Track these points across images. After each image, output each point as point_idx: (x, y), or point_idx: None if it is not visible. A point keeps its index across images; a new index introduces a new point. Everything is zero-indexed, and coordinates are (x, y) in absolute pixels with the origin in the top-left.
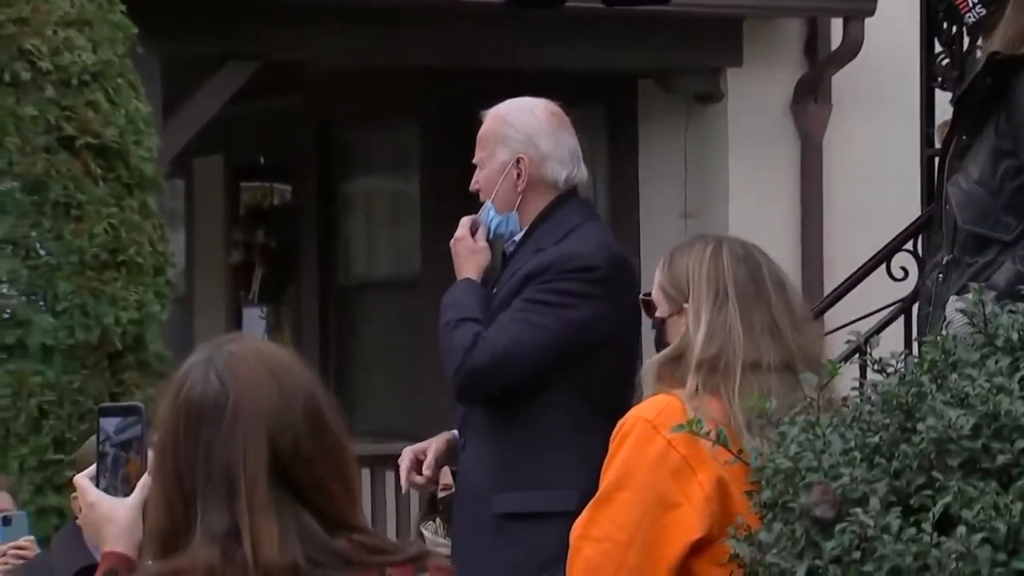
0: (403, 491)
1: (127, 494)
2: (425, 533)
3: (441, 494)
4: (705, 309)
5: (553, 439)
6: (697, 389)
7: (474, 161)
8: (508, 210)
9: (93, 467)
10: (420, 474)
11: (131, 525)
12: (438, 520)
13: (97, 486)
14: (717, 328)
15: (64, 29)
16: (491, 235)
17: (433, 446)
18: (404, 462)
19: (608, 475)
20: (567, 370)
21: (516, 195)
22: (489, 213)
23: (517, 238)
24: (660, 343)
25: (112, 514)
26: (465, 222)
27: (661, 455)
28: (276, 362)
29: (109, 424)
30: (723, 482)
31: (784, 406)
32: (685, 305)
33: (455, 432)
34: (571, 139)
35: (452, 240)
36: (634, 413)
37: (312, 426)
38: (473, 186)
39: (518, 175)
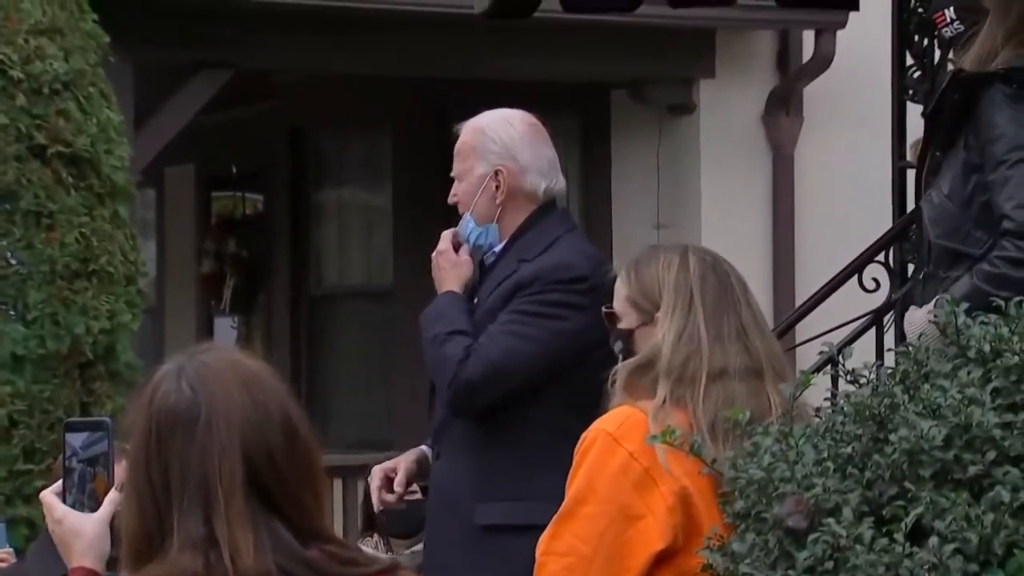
0: (376, 510)
1: (94, 509)
2: (365, 550)
3: (377, 510)
4: (674, 317)
5: (537, 449)
6: (664, 401)
7: (452, 174)
8: (487, 222)
9: (60, 483)
10: (391, 492)
11: (99, 540)
12: (376, 536)
13: (64, 502)
14: (685, 336)
15: (36, 38)
16: (470, 247)
17: (403, 464)
18: (375, 481)
19: (571, 489)
20: (555, 381)
21: (495, 207)
22: (468, 225)
23: (497, 249)
24: (627, 355)
25: (80, 529)
26: (447, 235)
27: (623, 467)
28: (248, 372)
29: (76, 439)
30: (686, 493)
31: (751, 414)
32: (657, 315)
33: (423, 448)
34: (549, 150)
35: (434, 253)
36: (596, 426)
37: (285, 436)
38: (451, 199)
39: (496, 187)
